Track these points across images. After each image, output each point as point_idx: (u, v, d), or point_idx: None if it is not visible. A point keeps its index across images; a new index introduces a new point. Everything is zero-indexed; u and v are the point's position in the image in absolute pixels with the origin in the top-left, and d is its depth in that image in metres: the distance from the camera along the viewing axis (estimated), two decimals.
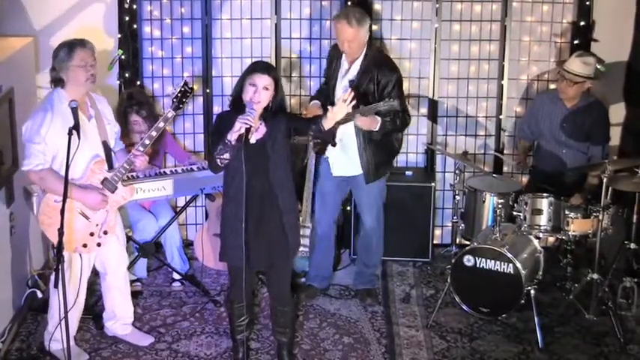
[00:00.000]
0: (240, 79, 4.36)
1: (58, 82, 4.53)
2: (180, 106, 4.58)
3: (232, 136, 4.22)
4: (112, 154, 4.72)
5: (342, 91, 5.13)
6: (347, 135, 5.21)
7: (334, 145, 5.14)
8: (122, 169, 4.63)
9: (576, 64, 5.50)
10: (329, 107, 4.41)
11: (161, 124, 4.60)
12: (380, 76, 5.11)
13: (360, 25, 5.07)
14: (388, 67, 5.18)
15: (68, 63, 4.47)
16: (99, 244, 4.70)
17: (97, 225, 4.67)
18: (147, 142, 4.60)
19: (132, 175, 5.23)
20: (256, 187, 4.35)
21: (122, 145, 4.92)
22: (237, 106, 4.36)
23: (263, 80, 4.28)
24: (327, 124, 4.37)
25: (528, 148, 5.96)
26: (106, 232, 4.70)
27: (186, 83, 4.57)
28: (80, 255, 4.65)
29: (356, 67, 5.19)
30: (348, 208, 5.98)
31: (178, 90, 4.56)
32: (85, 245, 4.65)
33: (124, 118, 5.53)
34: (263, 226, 4.40)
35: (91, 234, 4.66)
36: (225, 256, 4.51)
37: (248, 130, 4.22)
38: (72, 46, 4.49)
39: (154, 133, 4.60)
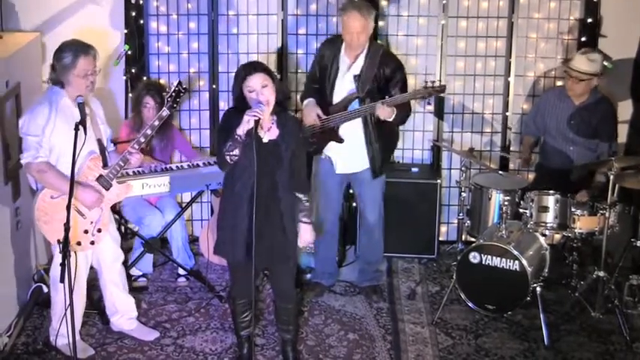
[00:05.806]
0: (236, 87, 4.29)
1: (57, 83, 4.52)
2: (175, 105, 4.64)
3: (242, 130, 4.19)
4: (106, 152, 4.71)
5: (348, 87, 5.15)
6: (351, 131, 5.21)
7: (341, 141, 5.15)
8: (117, 167, 4.63)
9: (582, 62, 5.49)
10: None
11: (156, 123, 4.63)
12: (385, 69, 5.15)
13: (370, 16, 5.10)
14: (393, 60, 5.24)
15: (70, 71, 4.45)
16: (92, 242, 4.69)
17: (92, 223, 4.66)
18: (142, 139, 4.62)
19: (138, 171, 5.23)
20: (262, 187, 4.30)
21: (112, 147, 4.91)
22: (241, 104, 4.31)
23: (257, 79, 4.21)
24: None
25: (533, 144, 5.94)
26: (99, 230, 4.69)
27: (180, 83, 4.62)
28: (75, 253, 4.62)
29: (360, 61, 5.18)
30: (354, 204, 5.97)
31: (172, 90, 4.61)
32: (79, 243, 4.63)
33: (138, 104, 5.59)
34: (264, 226, 4.36)
35: (85, 231, 4.65)
36: (221, 251, 4.51)
37: (257, 124, 4.20)
38: (76, 53, 4.45)
39: (149, 132, 4.63)
